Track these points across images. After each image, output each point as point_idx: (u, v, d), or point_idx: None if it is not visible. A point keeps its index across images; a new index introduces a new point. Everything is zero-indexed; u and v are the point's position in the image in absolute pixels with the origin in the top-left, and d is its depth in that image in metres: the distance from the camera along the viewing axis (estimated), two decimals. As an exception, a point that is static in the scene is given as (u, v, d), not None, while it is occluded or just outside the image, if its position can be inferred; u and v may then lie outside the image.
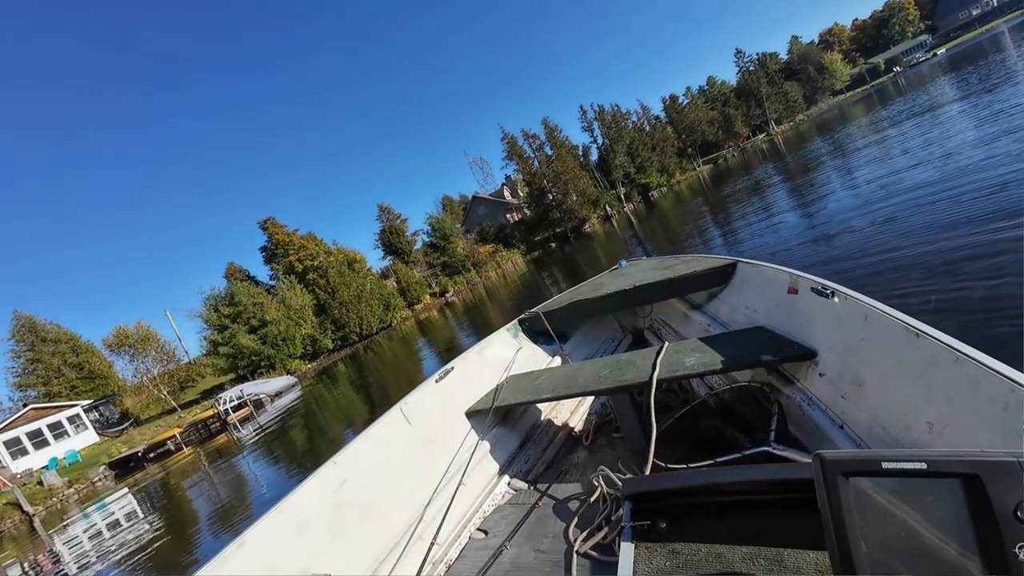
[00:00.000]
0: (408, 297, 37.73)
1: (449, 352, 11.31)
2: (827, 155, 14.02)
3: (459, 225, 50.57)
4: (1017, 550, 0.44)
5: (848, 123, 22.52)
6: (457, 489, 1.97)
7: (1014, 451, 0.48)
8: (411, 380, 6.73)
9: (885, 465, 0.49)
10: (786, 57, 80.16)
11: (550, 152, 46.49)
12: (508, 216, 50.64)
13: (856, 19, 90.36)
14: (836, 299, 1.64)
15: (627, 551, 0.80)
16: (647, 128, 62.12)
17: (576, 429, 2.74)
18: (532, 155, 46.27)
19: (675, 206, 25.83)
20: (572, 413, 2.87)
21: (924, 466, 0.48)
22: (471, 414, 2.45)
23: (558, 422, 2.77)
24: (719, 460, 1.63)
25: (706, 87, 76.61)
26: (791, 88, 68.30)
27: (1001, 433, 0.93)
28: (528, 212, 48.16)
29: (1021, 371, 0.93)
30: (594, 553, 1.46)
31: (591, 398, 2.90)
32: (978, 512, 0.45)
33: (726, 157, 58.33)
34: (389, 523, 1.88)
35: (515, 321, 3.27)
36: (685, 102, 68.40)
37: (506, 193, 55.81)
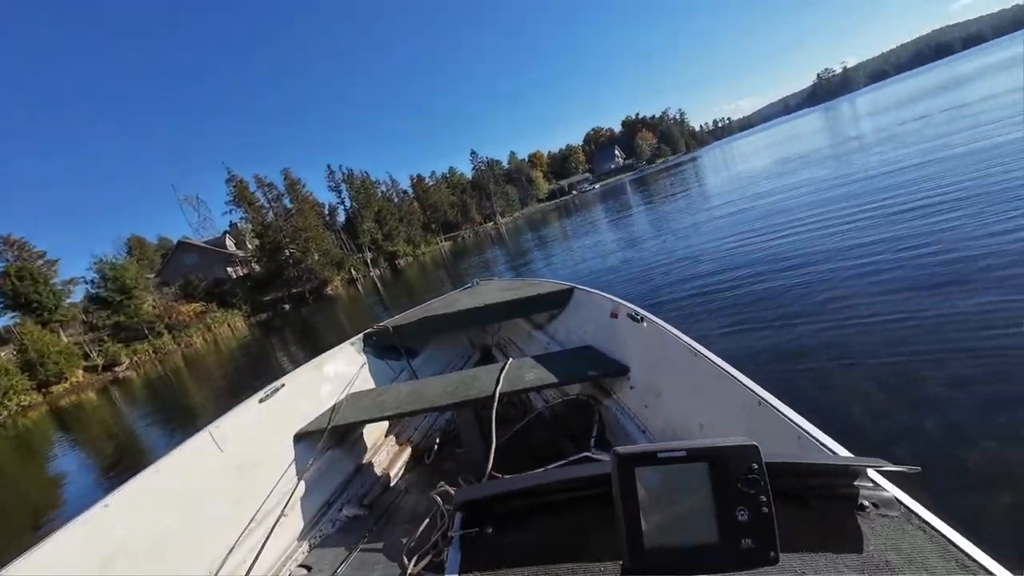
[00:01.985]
0: (42, 373, 25.49)
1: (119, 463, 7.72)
2: (535, 245, 17.58)
3: (152, 275, 39.03)
4: (737, 513, 0.58)
5: (548, 224, 29.45)
6: (277, 522, 1.82)
7: (744, 439, 0.61)
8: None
9: (659, 455, 0.61)
10: (507, 166, 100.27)
11: (290, 205, 42.42)
12: (230, 270, 42.41)
13: (550, 151, 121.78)
14: (644, 324, 1.91)
15: (454, 562, 0.83)
16: (395, 200, 64.96)
17: (419, 447, 2.68)
18: (267, 205, 41.18)
19: (420, 275, 27.08)
20: (416, 431, 2.79)
21: (684, 453, 0.60)
22: (302, 436, 2.23)
23: (401, 440, 2.68)
24: (547, 467, 1.64)
25: (448, 175, 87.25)
26: (511, 190, 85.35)
27: (745, 429, 1.19)
28: (258, 267, 41.67)
29: (758, 383, 1.22)
30: (427, 574, 1.34)
31: (436, 415, 2.85)
32: (716, 485, 0.59)
33: (464, 237, 66.13)
34: (184, 571, 1.59)
35: (361, 335, 3.09)
36: (431, 184, 75.54)
37: (229, 243, 47.10)
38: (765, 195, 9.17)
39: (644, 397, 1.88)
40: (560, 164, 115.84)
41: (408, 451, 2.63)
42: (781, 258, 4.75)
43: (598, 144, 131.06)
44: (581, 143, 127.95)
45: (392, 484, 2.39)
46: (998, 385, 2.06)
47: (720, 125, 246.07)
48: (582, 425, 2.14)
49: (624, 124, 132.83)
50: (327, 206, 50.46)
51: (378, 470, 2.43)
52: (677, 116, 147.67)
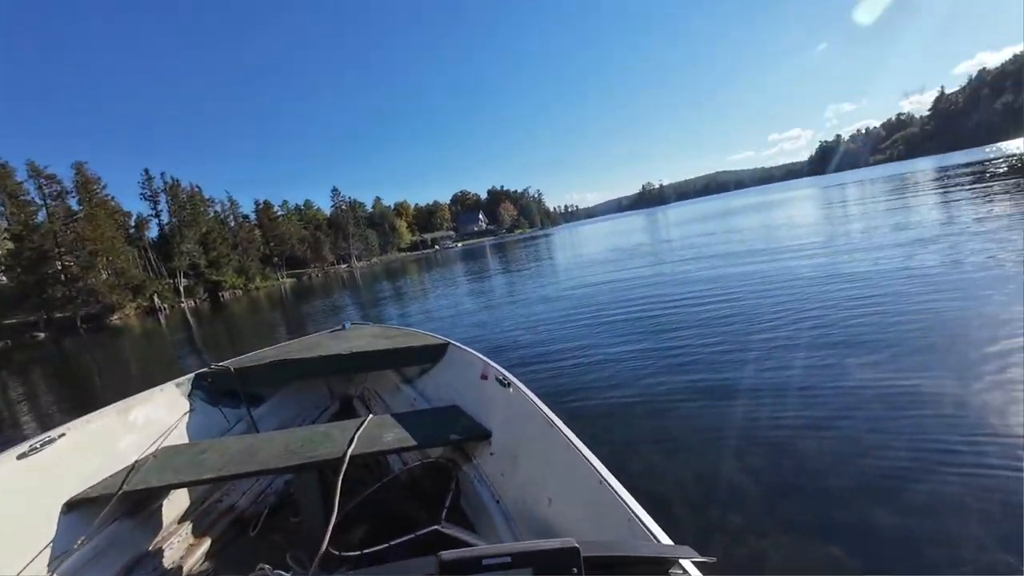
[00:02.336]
0: None
1: None
2: (391, 295, 16.83)
3: None
4: None
5: (407, 274, 28.82)
6: None
7: (567, 541, 0.63)
8: None
9: (484, 562, 0.61)
10: (370, 210, 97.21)
11: (78, 207, 33.70)
12: (-49, 277, 30.94)
13: (417, 204, 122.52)
14: (511, 389, 1.89)
15: None
16: (232, 224, 56.86)
17: (245, 514, 2.25)
18: (42, 201, 31.99)
19: (249, 313, 23.35)
20: (244, 495, 2.33)
21: (509, 559, 0.60)
22: (78, 504, 1.75)
23: (221, 507, 2.22)
24: (392, 543, 1.62)
25: (303, 207, 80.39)
26: (371, 235, 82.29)
27: (585, 508, 1.24)
28: (5, 279, 31.18)
29: (602, 457, 1.27)
30: None
31: (273, 477, 2.40)
32: None
33: (311, 276, 60.39)
34: None
35: (191, 376, 2.65)
36: (280, 213, 68.48)
37: (-40, 241, 34.58)
38: (602, 275, 10.45)
39: (502, 464, 1.84)
40: (426, 218, 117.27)
41: (228, 520, 2.20)
42: (618, 336, 5.27)
43: (464, 206, 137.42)
44: (448, 202, 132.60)
45: (197, 567, 1.96)
46: (789, 477, 2.38)
47: (570, 209, 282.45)
48: (440, 491, 2.02)
49: (490, 193, 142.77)
50: (134, 216, 41.47)
51: (181, 547, 1.98)
52: (536, 195, 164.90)
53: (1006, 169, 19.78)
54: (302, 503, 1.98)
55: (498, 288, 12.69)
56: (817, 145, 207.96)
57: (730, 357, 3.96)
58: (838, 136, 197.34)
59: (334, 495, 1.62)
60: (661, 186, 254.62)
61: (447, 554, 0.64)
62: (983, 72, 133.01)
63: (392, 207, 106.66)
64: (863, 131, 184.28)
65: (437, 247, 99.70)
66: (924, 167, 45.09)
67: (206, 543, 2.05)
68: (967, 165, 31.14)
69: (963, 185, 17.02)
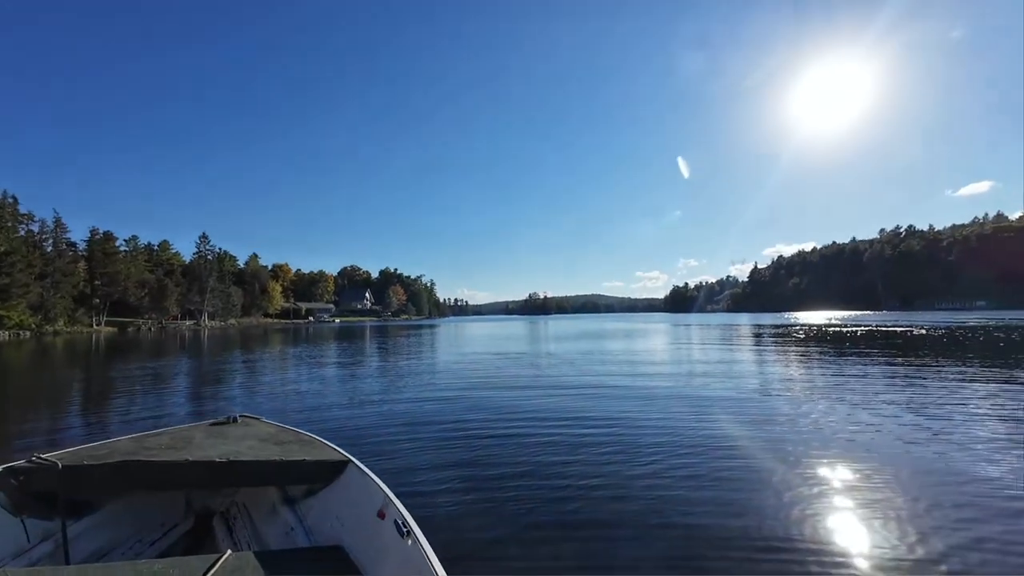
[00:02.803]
0: None
1: None
2: (240, 367, 14.45)
3: None
4: None
5: (268, 344, 25.41)
6: None
7: None
8: None
9: None
10: (243, 266, 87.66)
11: None
12: None
13: (300, 269, 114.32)
14: (409, 540, 1.62)
15: None
16: (49, 249, 46.55)
17: None
18: None
19: (31, 363, 18.02)
20: None
21: None
22: None
23: None
24: None
25: (157, 248, 69.69)
26: (236, 293, 72.98)
27: None
28: None
29: None
30: None
31: None
32: None
33: (141, 327, 50.33)
34: None
35: None
36: (124, 249, 58.29)
37: None
38: (484, 378, 10.36)
39: None
40: (307, 286, 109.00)
41: None
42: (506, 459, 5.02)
43: (352, 281, 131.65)
44: (336, 274, 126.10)
45: None
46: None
47: (459, 303, 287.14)
48: None
49: (382, 273, 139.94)
50: None
51: None
52: (429, 284, 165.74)
53: (803, 336, 25.18)
54: None
55: (364, 377, 11.71)
56: (671, 288, 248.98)
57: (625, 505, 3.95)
58: (686, 284, 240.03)
59: None
60: (545, 297, 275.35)
61: None
62: (780, 258, 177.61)
63: (270, 267, 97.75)
64: (703, 283, 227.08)
65: (311, 319, 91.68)
66: (743, 321, 56.12)
67: None
68: (773, 326, 39.47)
69: (770, 338, 21.43)
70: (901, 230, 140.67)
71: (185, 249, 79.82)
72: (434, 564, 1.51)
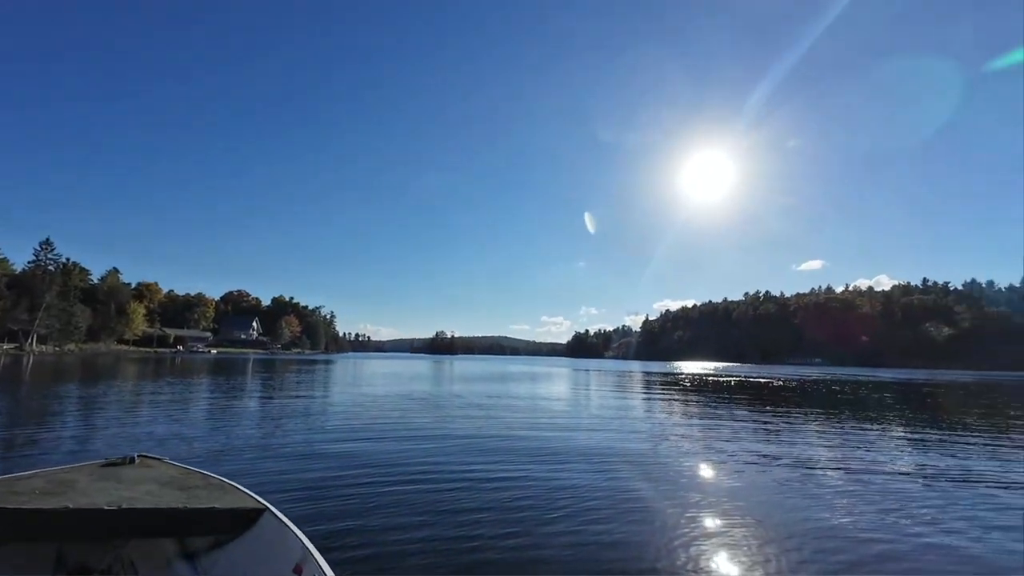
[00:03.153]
0: None
1: None
2: (78, 404, 11.87)
3: None
4: None
5: (121, 376, 21.33)
6: None
7: None
8: None
9: None
10: (96, 281, 74.44)
11: None
12: None
13: (173, 290, 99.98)
14: None
15: None
16: None
17: None
18: None
19: None
20: None
21: None
22: None
23: None
24: None
25: (-26, 251, 56.82)
26: (82, 312, 61.14)
27: None
28: None
29: None
30: None
31: None
32: None
33: (-68, 350, 39.76)
34: None
35: None
36: (-78, 248, 46.79)
37: None
38: (388, 424, 9.73)
39: None
40: (180, 310, 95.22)
41: None
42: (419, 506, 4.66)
43: (238, 308, 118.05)
44: (218, 299, 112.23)
45: None
46: None
47: (361, 339, 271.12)
48: None
49: (274, 301, 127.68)
50: None
51: None
52: (328, 316, 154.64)
53: (688, 384, 27.72)
54: None
55: (244, 416, 10.34)
56: (573, 333, 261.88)
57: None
58: (587, 330, 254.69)
59: None
60: (453, 337, 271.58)
61: None
62: (667, 312, 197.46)
63: (133, 286, 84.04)
64: (602, 331, 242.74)
65: (180, 348, 79.60)
66: (635, 368, 60.64)
67: None
68: (660, 374, 43.15)
69: (659, 386, 23.40)
70: (760, 294, 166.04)
71: (20, 258, 65.73)
72: None
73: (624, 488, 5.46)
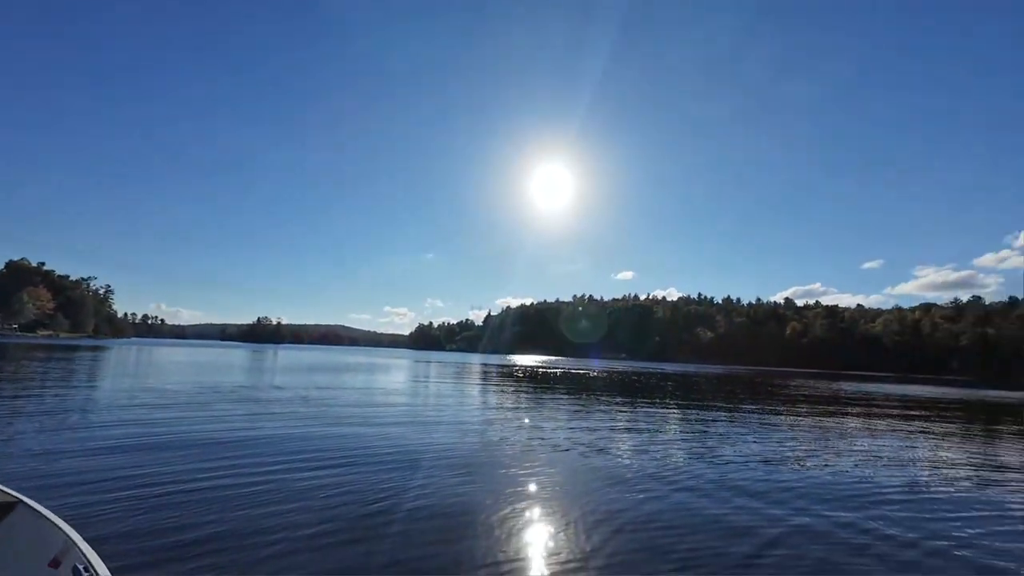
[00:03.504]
0: None
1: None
2: None
3: None
4: None
5: None
6: None
7: None
8: None
9: None
10: None
11: None
12: None
13: None
14: None
15: None
16: None
17: None
18: None
19: None
20: None
21: None
22: None
23: None
24: None
25: None
26: None
27: None
28: None
29: None
30: None
31: None
32: None
33: None
34: None
35: None
36: None
37: None
38: (179, 421, 7.93)
39: None
40: None
41: None
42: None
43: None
44: (-99, 255, 78.03)
45: None
46: None
47: (150, 322, 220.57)
48: None
49: (10, 267, 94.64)
50: None
51: None
52: (102, 291, 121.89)
53: (522, 375, 29.76)
54: None
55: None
56: (416, 325, 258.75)
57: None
58: (431, 322, 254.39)
59: None
60: (279, 324, 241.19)
61: None
62: (508, 308, 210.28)
63: None
64: (445, 324, 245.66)
65: None
66: (475, 360, 62.98)
67: None
68: (498, 365, 45.63)
69: (496, 376, 24.72)
70: (585, 297, 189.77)
71: None
72: None
73: (448, 481, 5.46)
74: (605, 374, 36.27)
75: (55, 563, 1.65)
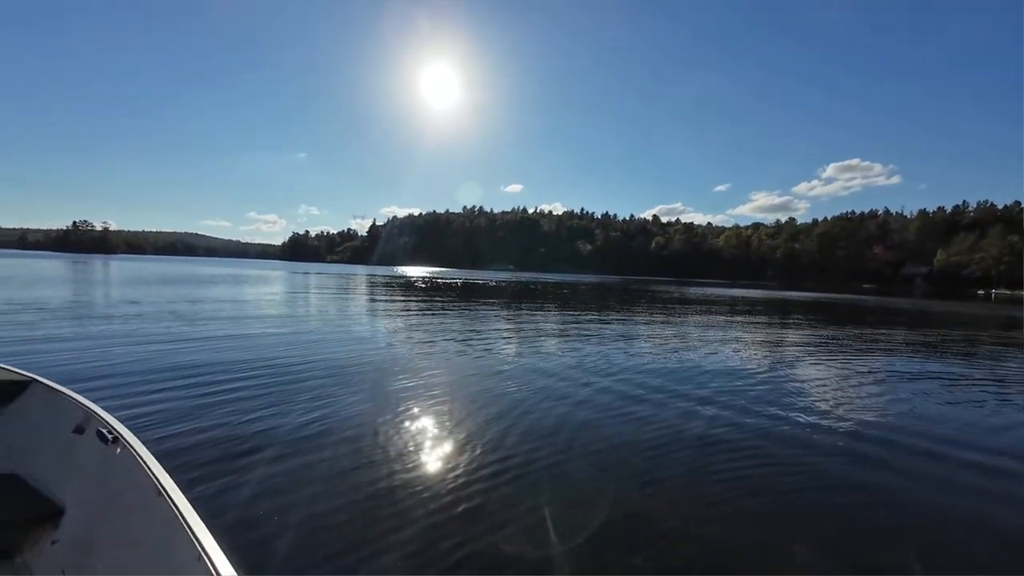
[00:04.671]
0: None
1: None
2: None
3: None
4: None
5: None
6: None
7: None
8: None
9: None
10: None
11: None
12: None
13: None
14: (117, 447, 1.49)
15: None
16: None
17: None
18: None
19: None
20: None
21: None
22: None
23: None
24: None
25: None
26: None
27: None
28: None
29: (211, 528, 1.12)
30: None
31: None
32: None
33: None
34: None
35: None
36: None
37: None
38: None
39: (67, 557, 1.35)
40: None
41: None
42: None
43: None
44: None
45: None
46: None
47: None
48: None
49: None
50: None
51: None
52: None
53: (404, 283, 29.33)
54: None
55: None
56: (290, 234, 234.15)
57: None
58: (307, 231, 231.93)
59: None
60: (106, 230, 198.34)
61: None
62: (394, 218, 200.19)
63: None
64: (324, 233, 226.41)
65: None
66: (360, 272, 60.27)
67: None
68: (386, 276, 44.33)
69: (383, 288, 24.11)
70: (475, 209, 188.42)
71: None
72: (148, 463, 1.36)
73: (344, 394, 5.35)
74: (492, 283, 37.74)
75: (79, 430, 1.70)
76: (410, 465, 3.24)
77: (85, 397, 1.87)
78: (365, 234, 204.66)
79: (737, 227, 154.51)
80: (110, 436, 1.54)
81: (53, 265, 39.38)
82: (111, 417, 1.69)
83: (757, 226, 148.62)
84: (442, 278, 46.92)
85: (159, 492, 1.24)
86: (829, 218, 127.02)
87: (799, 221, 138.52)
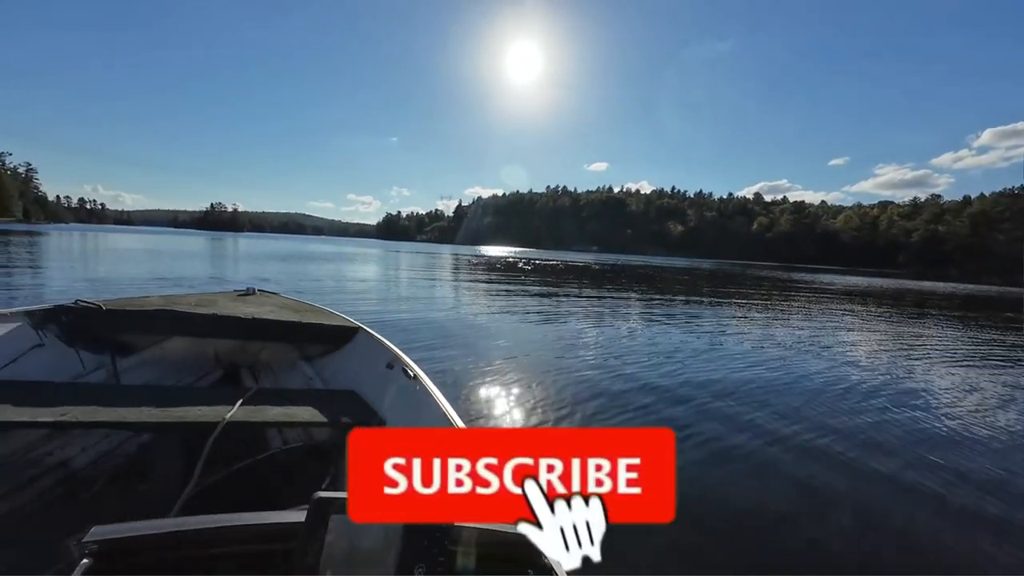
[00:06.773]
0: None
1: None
2: None
3: None
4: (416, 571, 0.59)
5: None
6: None
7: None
8: None
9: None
10: None
11: None
12: None
13: None
14: (416, 382, 1.88)
15: None
16: None
17: (80, 474, 1.86)
18: None
19: None
20: (83, 450, 1.96)
21: None
22: None
23: (51, 460, 1.83)
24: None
25: None
26: None
27: None
28: None
29: None
30: None
31: (126, 435, 2.05)
32: None
33: None
34: None
35: (47, 307, 2.21)
36: None
37: None
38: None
39: None
40: None
41: (56, 476, 1.79)
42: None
43: None
44: None
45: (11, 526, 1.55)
46: None
47: (89, 207, 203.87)
48: (317, 476, 1.86)
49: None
50: None
51: None
52: (23, 170, 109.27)
53: (486, 265, 29.34)
54: (157, 469, 1.81)
55: None
56: (384, 215, 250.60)
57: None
58: (399, 212, 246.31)
59: (197, 463, 1.46)
60: (236, 211, 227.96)
61: (325, 493, 0.62)
62: (479, 199, 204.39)
63: None
64: (414, 213, 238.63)
65: None
66: (446, 251, 62.13)
67: (21, 498, 1.67)
68: (472, 256, 45.00)
69: (472, 267, 24.12)
70: (559, 189, 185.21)
71: None
72: (438, 397, 1.68)
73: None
74: (581, 264, 36.45)
75: (390, 366, 2.15)
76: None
77: (393, 344, 2.34)
78: (452, 215, 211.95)
79: (860, 205, 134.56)
80: (411, 374, 1.95)
81: (198, 241, 45.46)
82: (410, 360, 2.09)
83: (885, 205, 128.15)
84: (527, 259, 46.50)
85: (448, 421, 1.55)
86: (986, 194, 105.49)
87: (945, 199, 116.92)
